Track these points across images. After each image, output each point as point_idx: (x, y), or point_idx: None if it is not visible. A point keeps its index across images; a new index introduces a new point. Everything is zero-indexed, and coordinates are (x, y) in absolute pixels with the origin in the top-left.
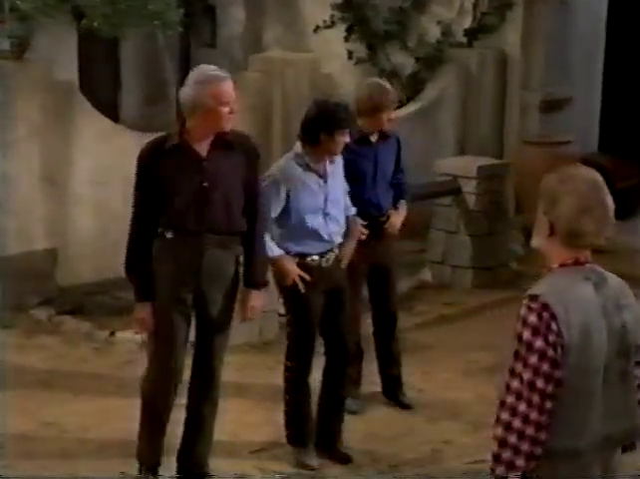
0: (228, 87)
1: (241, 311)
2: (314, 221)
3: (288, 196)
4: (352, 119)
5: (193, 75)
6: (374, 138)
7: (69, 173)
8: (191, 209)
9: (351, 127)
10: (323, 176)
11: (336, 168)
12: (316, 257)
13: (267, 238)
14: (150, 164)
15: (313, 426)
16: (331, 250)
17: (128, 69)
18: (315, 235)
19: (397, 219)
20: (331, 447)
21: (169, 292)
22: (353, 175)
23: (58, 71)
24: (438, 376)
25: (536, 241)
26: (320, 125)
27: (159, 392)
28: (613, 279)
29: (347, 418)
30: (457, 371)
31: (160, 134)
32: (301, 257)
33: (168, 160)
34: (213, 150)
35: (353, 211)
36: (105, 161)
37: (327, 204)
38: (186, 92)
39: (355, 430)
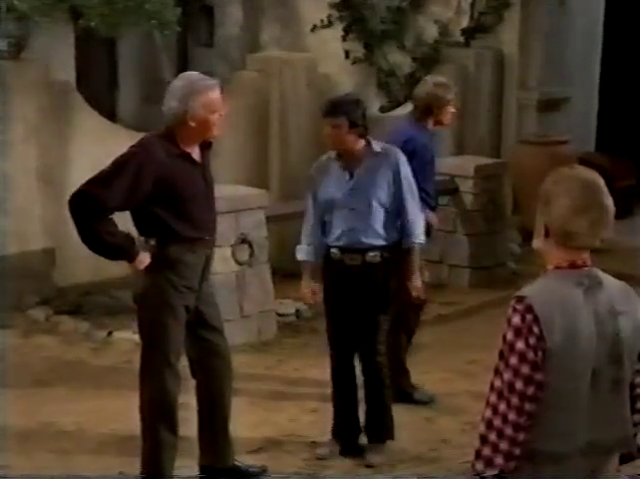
0: (217, 94)
1: None
2: None
3: None
4: None
5: (180, 86)
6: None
7: (66, 172)
8: (203, 216)
9: None
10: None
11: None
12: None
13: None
14: (165, 165)
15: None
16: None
17: (125, 68)
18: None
19: None
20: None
21: (180, 303)
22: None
23: (55, 71)
24: (435, 376)
25: (535, 243)
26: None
27: (171, 400)
28: (612, 284)
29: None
30: (454, 371)
31: (151, 136)
32: None
33: (176, 167)
34: (201, 153)
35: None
36: (102, 160)
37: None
38: (176, 105)
39: None
